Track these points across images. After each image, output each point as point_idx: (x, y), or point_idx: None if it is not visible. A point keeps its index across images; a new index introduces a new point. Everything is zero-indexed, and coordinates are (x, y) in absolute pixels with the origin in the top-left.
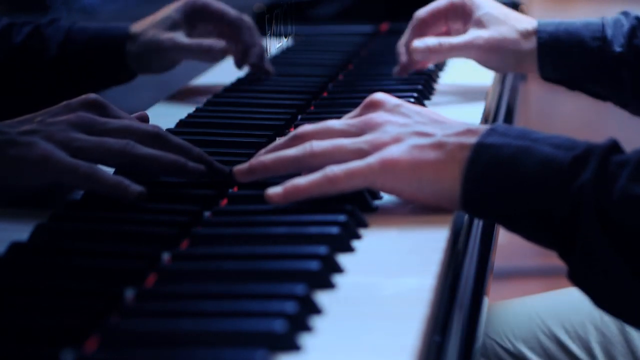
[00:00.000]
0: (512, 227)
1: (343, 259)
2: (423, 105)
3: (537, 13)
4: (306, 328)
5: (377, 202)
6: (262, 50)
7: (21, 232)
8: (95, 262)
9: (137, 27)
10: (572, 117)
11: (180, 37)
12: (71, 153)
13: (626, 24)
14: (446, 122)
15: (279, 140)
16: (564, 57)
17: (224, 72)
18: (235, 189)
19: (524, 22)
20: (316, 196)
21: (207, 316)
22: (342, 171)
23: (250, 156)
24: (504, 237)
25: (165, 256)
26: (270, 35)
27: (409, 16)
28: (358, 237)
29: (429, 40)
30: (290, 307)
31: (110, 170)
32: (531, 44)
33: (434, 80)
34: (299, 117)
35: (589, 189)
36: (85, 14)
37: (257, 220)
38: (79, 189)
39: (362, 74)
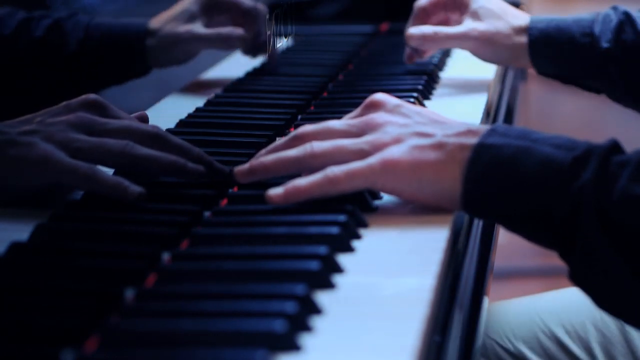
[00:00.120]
0: (512, 227)
1: (343, 259)
2: (423, 105)
3: (538, 12)
4: (306, 328)
5: (377, 202)
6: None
7: (21, 232)
8: (95, 262)
9: (155, 22)
10: (572, 117)
11: (198, 28)
12: (71, 153)
13: (614, 19)
14: (446, 122)
15: (279, 141)
16: (555, 53)
17: (235, 65)
18: (235, 189)
19: (520, 18)
20: (317, 197)
21: (207, 316)
22: (343, 172)
23: (250, 156)
24: (504, 237)
25: (165, 256)
26: (270, 35)
27: (408, 16)
28: (358, 237)
29: (425, 28)
30: (290, 307)
31: (109, 171)
32: (524, 39)
33: (435, 80)
34: (299, 117)
35: (589, 189)
36: (85, 13)
37: (257, 220)
38: (78, 189)
39: (362, 74)
